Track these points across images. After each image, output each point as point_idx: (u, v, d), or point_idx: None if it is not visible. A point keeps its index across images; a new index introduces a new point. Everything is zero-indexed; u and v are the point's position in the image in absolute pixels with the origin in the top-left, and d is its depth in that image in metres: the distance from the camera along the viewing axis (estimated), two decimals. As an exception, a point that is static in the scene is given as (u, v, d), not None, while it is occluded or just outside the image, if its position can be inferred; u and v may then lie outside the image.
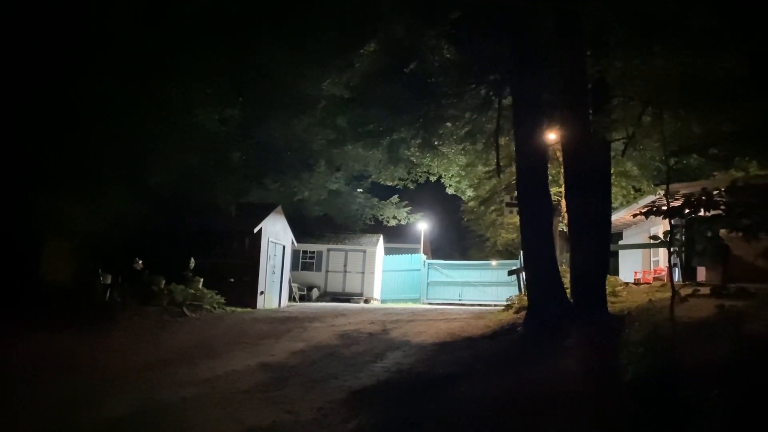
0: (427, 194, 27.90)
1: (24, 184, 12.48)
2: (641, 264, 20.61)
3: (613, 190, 14.66)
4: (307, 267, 26.69)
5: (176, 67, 12.64)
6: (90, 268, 14.74)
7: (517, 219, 15.18)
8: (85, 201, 13.01)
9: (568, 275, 11.51)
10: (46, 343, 9.93)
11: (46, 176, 12.56)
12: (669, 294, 7.82)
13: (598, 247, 10.32)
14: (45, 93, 11.43)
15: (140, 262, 15.64)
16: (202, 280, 16.73)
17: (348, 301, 25.08)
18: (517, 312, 13.53)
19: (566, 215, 12.26)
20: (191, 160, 14.72)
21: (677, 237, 8.49)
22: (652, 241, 9.71)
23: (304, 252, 26.53)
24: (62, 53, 11.43)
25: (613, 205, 15.54)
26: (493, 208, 21.08)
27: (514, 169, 13.64)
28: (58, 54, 11.41)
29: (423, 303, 25.96)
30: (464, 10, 12.51)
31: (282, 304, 20.79)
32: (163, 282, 15.39)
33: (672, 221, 7.78)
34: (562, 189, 15.08)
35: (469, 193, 22.21)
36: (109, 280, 14.66)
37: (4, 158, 11.92)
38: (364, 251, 26.97)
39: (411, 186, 22.85)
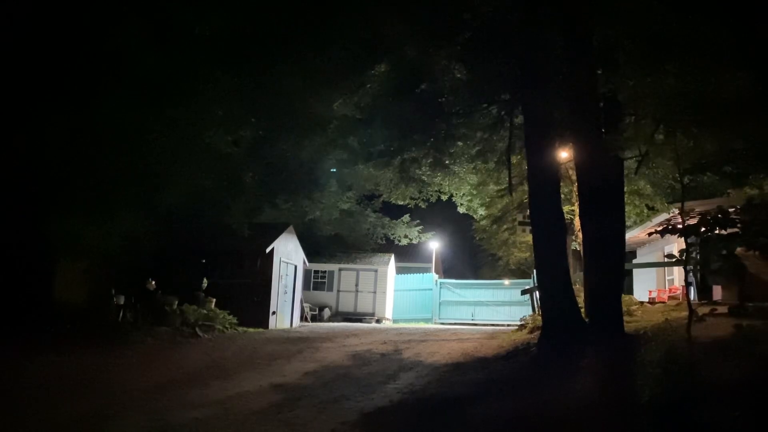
0: (439, 213, 27.90)
1: (37, 205, 12.60)
2: (656, 283, 20.39)
3: (626, 208, 14.58)
4: (318, 287, 26.65)
5: (188, 89, 12.77)
6: (103, 288, 14.80)
7: (529, 238, 15.15)
8: (97, 222, 13.09)
9: (582, 294, 11.41)
10: (58, 364, 9.96)
11: (59, 197, 12.67)
12: (684, 313, 7.73)
13: (612, 265, 10.24)
14: (57, 114, 11.57)
15: (153, 282, 15.69)
16: (214, 300, 16.75)
17: (360, 320, 24.97)
18: (530, 332, 13.40)
19: (579, 234, 12.20)
20: (203, 180, 14.81)
21: (693, 255, 8.40)
22: (667, 260, 9.61)
23: (316, 271, 26.51)
24: (74, 75, 11.59)
25: (627, 224, 15.45)
26: (505, 226, 21.08)
27: (526, 187, 13.62)
28: (70, 76, 11.57)
29: (435, 323, 25.80)
30: (474, 31, 12.58)
31: (294, 324, 20.74)
32: (176, 302, 15.42)
33: (687, 240, 7.70)
34: (575, 207, 15.03)
35: (481, 212, 22.16)
36: (122, 301, 14.70)
37: (17, 180, 12.05)
38: (376, 270, 26.90)
39: (422, 205, 22.84)
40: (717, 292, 14.35)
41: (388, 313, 26.89)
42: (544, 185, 11.72)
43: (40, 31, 11.27)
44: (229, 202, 16.86)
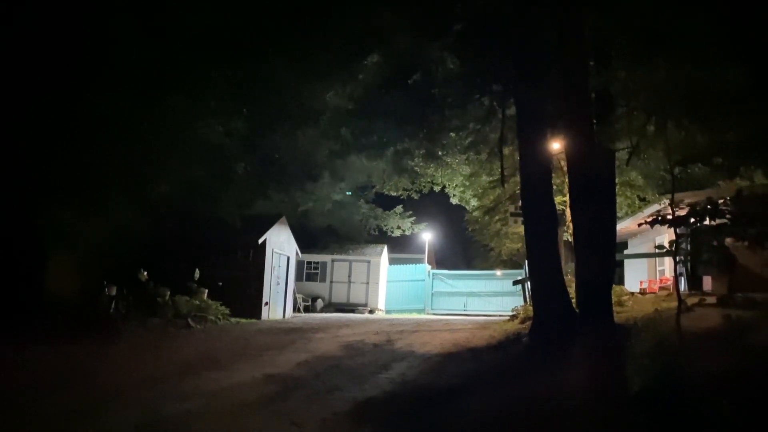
0: (432, 204, 27.92)
1: (28, 197, 12.52)
2: (647, 273, 20.51)
3: (618, 199, 14.65)
4: (311, 278, 26.68)
5: (179, 80, 12.70)
6: (94, 280, 14.75)
7: (521, 229, 15.20)
8: (89, 213, 13.03)
9: (573, 285, 11.47)
10: (50, 356, 9.93)
11: (50, 189, 12.60)
12: (675, 303, 7.78)
13: (603, 256, 10.28)
14: (49, 106, 11.49)
15: (145, 273, 15.65)
16: (206, 291, 16.74)
17: (352, 311, 25.03)
18: (522, 322, 13.48)
19: (571, 225, 12.25)
20: (195, 172, 14.77)
21: (683, 246, 8.46)
22: (657, 251, 9.67)
23: (309, 263, 26.53)
24: (65, 66, 11.50)
25: (618, 215, 15.53)
26: (497, 217, 21.13)
27: (518, 178, 13.66)
28: (60, 67, 11.48)
29: (428, 313, 25.89)
30: (467, 23, 12.57)
31: (286, 315, 20.77)
32: (168, 293, 15.39)
33: (677, 230, 7.75)
34: (567, 198, 15.09)
35: (474, 203, 22.21)
36: (113, 292, 14.66)
37: (8, 172, 11.98)
38: (369, 261, 26.94)
39: (415, 196, 22.88)
40: (707, 282, 14.45)
41: (381, 303, 26.96)
42: (536, 176, 11.76)
43: (32, 23, 11.17)
44: (221, 194, 16.82)
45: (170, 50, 11.92)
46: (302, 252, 23.11)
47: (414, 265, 29.10)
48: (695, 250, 8.73)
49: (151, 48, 11.63)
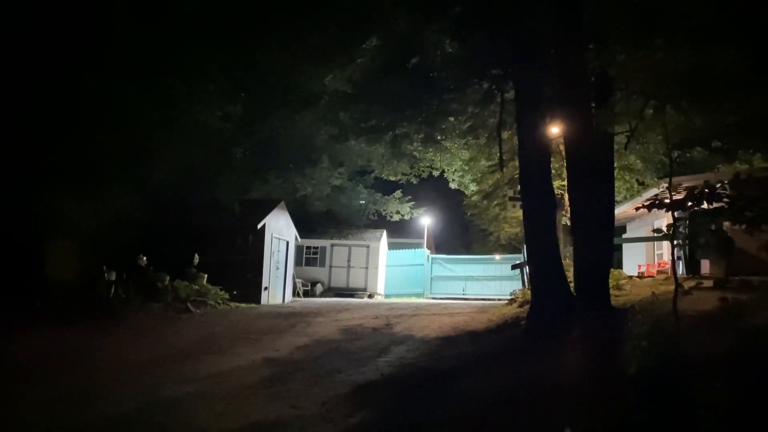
0: (431, 189, 27.90)
1: (27, 183, 12.52)
2: (645, 257, 20.58)
3: (617, 183, 14.63)
4: (310, 262, 26.72)
5: (178, 64, 12.65)
6: (94, 265, 14.78)
7: (520, 213, 15.20)
8: (88, 198, 13.04)
9: (571, 269, 11.51)
10: (51, 340, 9.99)
11: (49, 174, 12.59)
12: (672, 287, 7.81)
13: (601, 240, 10.30)
14: (48, 91, 11.45)
15: (144, 258, 15.68)
16: (206, 276, 16.78)
17: (352, 296, 25.10)
18: (520, 306, 13.54)
19: (569, 209, 12.26)
20: (194, 156, 14.75)
21: (680, 230, 8.47)
22: (655, 234, 9.64)
23: (308, 247, 26.55)
24: (64, 51, 11.45)
25: (617, 199, 15.53)
26: (496, 202, 21.11)
27: (516, 163, 13.64)
28: (59, 52, 11.43)
29: (427, 298, 25.98)
30: (465, 5, 12.49)
31: (286, 300, 20.83)
32: (167, 278, 15.43)
33: (675, 214, 7.75)
34: (565, 182, 15.10)
35: (472, 187, 22.18)
36: (113, 277, 14.70)
37: (6, 157, 11.96)
38: (368, 246, 26.98)
39: (414, 181, 22.85)
40: (705, 266, 14.50)
41: (380, 288, 27.04)
42: (534, 160, 11.74)
43: (33, 9, 11.10)
44: (219, 178, 16.81)
45: (167, 34, 11.86)
46: (301, 237, 23.14)
47: (413, 249, 29.15)
48: (693, 234, 8.74)
49: (148, 31, 11.57)
